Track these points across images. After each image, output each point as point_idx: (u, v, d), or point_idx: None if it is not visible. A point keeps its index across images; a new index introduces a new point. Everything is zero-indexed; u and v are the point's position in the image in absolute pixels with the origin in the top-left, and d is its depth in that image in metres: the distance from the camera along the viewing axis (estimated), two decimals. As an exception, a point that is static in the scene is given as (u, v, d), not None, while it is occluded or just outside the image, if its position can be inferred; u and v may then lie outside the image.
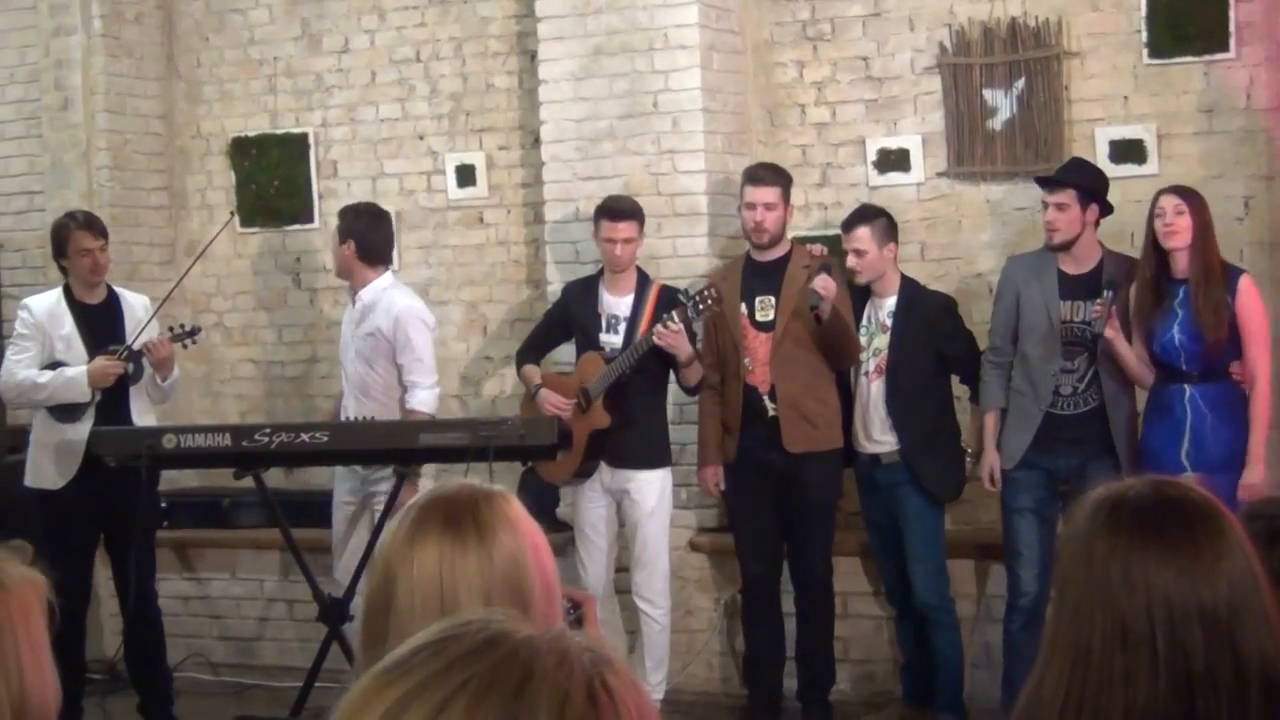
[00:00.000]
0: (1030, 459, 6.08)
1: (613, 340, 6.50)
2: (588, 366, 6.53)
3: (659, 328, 6.23)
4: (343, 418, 6.65)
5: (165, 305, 7.01)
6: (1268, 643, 1.91)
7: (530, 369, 6.71)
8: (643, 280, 6.57)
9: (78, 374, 6.51)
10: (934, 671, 6.42)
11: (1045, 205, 6.07)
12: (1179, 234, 5.76)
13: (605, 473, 6.54)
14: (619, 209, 6.54)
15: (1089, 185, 6.05)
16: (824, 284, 6.08)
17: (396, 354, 6.56)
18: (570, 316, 6.69)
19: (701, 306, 6.25)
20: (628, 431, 6.43)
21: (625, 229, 6.49)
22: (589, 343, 6.57)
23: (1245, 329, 5.78)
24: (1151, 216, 5.85)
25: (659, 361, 6.44)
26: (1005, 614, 6.22)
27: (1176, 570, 1.91)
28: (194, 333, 6.68)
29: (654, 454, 6.55)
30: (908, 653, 6.55)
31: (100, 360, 6.49)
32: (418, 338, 6.57)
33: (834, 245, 6.61)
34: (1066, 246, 6.04)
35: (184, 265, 8.21)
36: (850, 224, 6.38)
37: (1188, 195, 5.84)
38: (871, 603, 6.87)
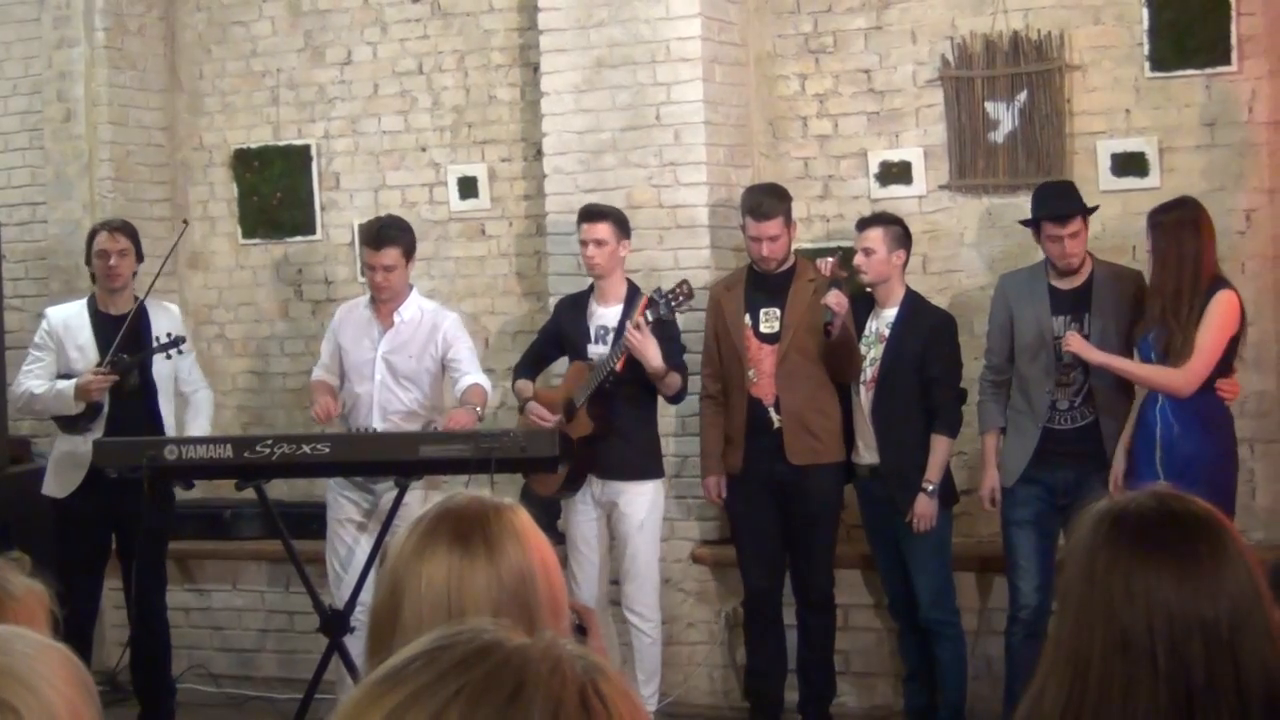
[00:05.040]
0: (1029, 473, 6.09)
1: (599, 351, 6.52)
2: (573, 376, 6.57)
3: (628, 326, 6.25)
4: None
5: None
6: (1269, 656, 1.92)
7: (522, 383, 6.72)
8: (632, 292, 6.58)
9: (66, 387, 6.54)
10: (936, 684, 6.42)
11: (1056, 239, 6.00)
12: (1153, 258, 5.82)
13: (595, 485, 6.53)
14: (591, 210, 6.58)
15: (1090, 207, 6.09)
16: (837, 300, 6.10)
17: (451, 350, 6.55)
18: (561, 330, 6.71)
19: (674, 302, 6.25)
20: (617, 442, 6.43)
21: (595, 230, 6.49)
22: (578, 355, 6.60)
23: (1198, 340, 5.73)
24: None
25: (643, 371, 6.46)
26: (1006, 626, 6.22)
27: (1177, 583, 1.91)
28: (177, 343, 6.65)
29: (644, 466, 6.54)
30: (910, 665, 6.55)
31: (87, 374, 6.50)
32: (466, 335, 6.69)
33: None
34: (1080, 268, 6.07)
35: (186, 277, 8.25)
36: (865, 224, 6.41)
37: (1159, 213, 5.85)
38: (873, 615, 6.88)
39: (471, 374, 6.53)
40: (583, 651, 1.25)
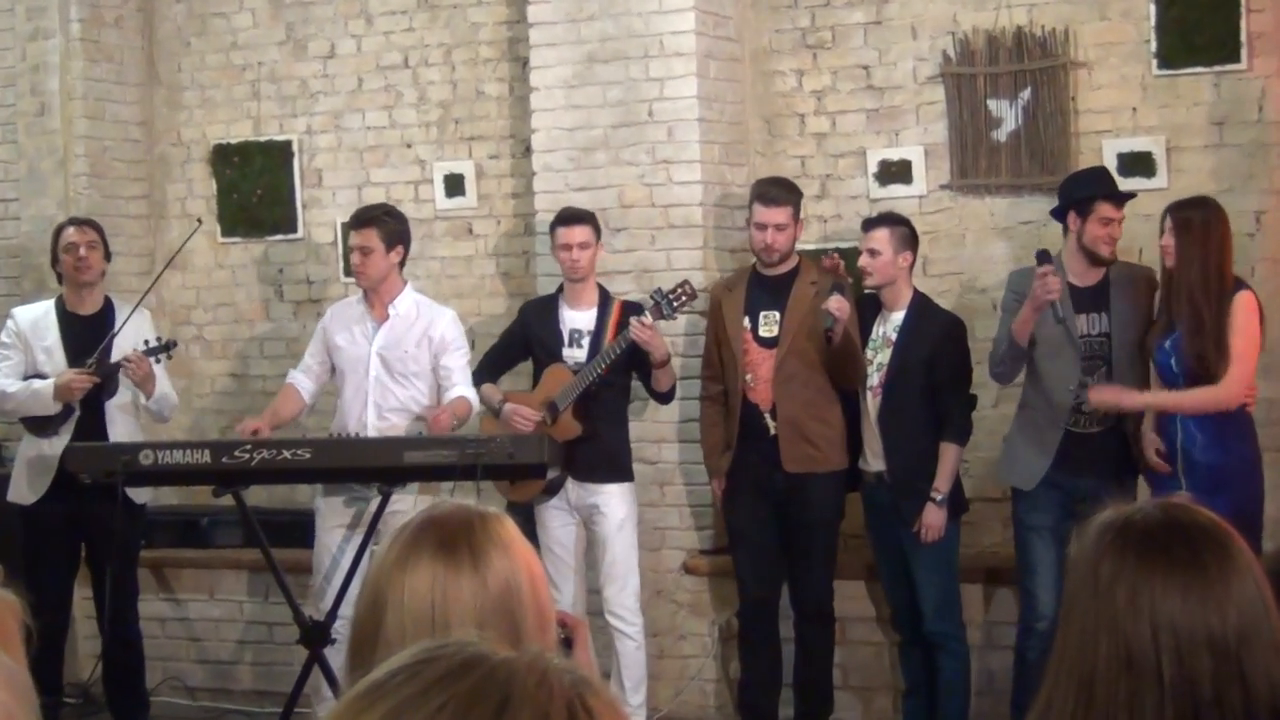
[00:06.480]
0: (1050, 478, 6.07)
1: (576, 355, 6.56)
2: (553, 378, 6.56)
3: (634, 322, 6.28)
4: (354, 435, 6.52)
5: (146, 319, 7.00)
6: (1277, 670, 1.92)
7: (490, 387, 6.70)
8: (604, 296, 6.64)
9: (44, 386, 6.52)
10: (937, 699, 6.41)
11: (1109, 221, 6.00)
12: (1169, 256, 5.80)
13: (572, 489, 6.55)
14: (571, 214, 6.64)
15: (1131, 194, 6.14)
16: (838, 305, 6.09)
17: (445, 356, 6.53)
18: (530, 335, 6.72)
19: (675, 303, 6.30)
20: (594, 444, 6.48)
21: (579, 233, 6.55)
22: (551, 359, 6.61)
23: (1232, 346, 5.73)
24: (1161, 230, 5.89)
25: (624, 373, 6.50)
26: (1020, 639, 6.18)
27: (1183, 595, 1.91)
28: (168, 347, 6.64)
29: (620, 467, 6.60)
30: (911, 679, 6.54)
31: (68, 373, 6.49)
32: (462, 339, 6.67)
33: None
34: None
35: (163, 276, 8.21)
36: (870, 224, 6.41)
37: (1183, 218, 5.84)
38: (873, 628, 6.87)
39: (459, 386, 6.52)
40: (570, 665, 1.26)
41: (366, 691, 1.25)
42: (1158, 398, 5.85)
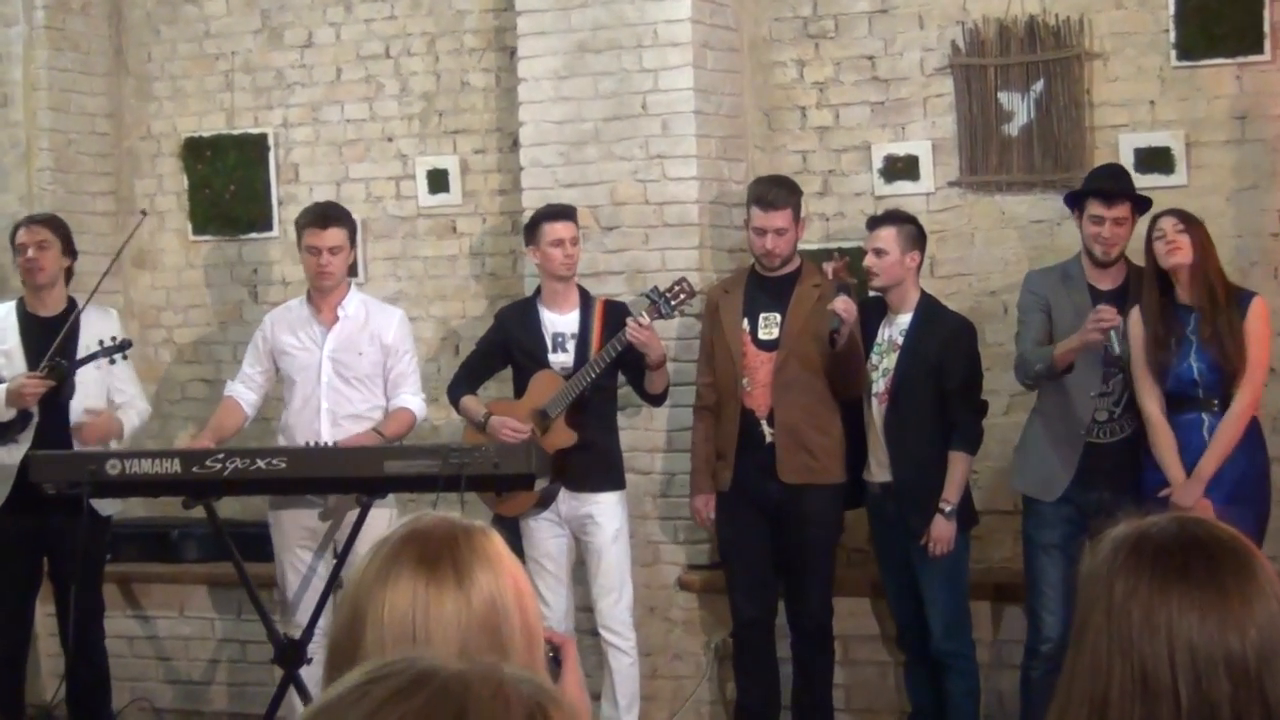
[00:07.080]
0: (1065, 492, 6.08)
1: (562, 360, 6.56)
2: (542, 386, 6.55)
3: (630, 322, 6.28)
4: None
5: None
6: (1299, 694, 1.92)
7: (471, 399, 6.70)
8: (585, 297, 6.65)
9: None
10: (943, 721, 6.43)
11: (1098, 220, 6.04)
12: (1181, 250, 5.81)
13: (563, 499, 6.55)
14: (558, 209, 6.65)
15: (1143, 197, 6.13)
16: (845, 306, 6.09)
17: (395, 360, 6.57)
18: (511, 341, 6.71)
19: (674, 301, 6.32)
20: (587, 453, 6.48)
21: (570, 228, 6.58)
22: (536, 365, 6.60)
23: (1249, 355, 5.79)
24: (1150, 240, 5.89)
25: (613, 377, 6.52)
26: (1024, 659, 6.21)
27: (1201, 614, 1.91)
28: (122, 347, 6.61)
29: (613, 475, 6.62)
30: (917, 701, 6.54)
31: (20, 377, 6.48)
32: (411, 343, 6.71)
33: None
34: (1115, 262, 6.10)
35: (131, 275, 8.22)
36: (876, 222, 6.42)
37: (1187, 217, 5.88)
38: (877, 647, 6.87)
39: (405, 396, 6.56)
40: (527, 675, 1.27)
41: (316, 714, 1.25)
42: (1216, 456, 5.81)
